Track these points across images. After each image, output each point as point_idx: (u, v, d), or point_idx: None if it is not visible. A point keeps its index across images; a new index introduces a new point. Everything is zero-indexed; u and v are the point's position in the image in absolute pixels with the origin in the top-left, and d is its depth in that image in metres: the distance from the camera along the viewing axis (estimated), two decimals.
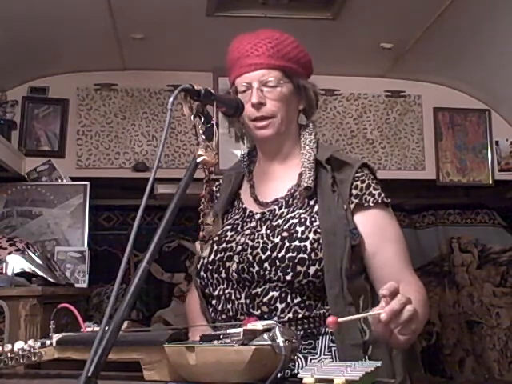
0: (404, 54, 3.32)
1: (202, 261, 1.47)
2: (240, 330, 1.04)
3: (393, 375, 1.35)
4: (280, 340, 1.02)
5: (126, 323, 1.25)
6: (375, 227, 1.42)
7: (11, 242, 2.66)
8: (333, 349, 1.35)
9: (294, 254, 1.34)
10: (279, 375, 1.04)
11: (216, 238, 1.46)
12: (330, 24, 2.95)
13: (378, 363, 1.04)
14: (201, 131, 1.21)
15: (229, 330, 1.06)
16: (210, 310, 1.48)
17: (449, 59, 3.36)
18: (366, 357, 1.33)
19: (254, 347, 1.01)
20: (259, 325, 1.06)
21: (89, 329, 1.32)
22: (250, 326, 1.05)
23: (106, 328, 0.89)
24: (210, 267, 1.45)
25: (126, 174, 3.48)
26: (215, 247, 1.45)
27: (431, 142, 3.69)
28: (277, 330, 1.04)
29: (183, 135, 3.53)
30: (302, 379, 0.95)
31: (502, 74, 3.30)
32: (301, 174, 1.45)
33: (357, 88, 3.65)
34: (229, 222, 1.52)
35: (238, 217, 1.52)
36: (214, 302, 1.46)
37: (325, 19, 2.92)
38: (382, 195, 1.44)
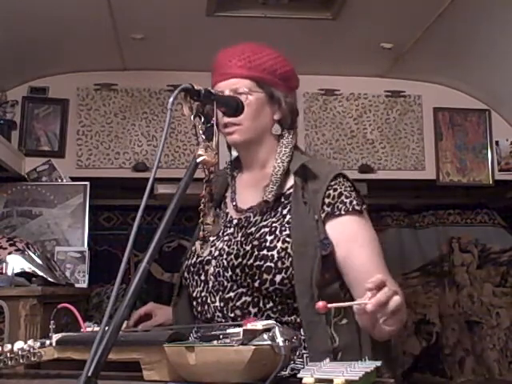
0: (404, 54, 3.31)
1: (186, 262, 1.54)
2: (240, 329, 1.04)
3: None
4: (280, 340, 1.03)
5: (125, 323, 1.25)
6: (345, 234, 1.44)
7: (11, 242, 2.65)
8: (304, 355, 1.37)
9: (262, 263, 1.38)
10: (279, 375, 1.04)
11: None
12: (329, 24, 2.95)
13: (378, 363, 1.04)
14: (201, 131, 1.21)
15: (229, 330, 1.06)
16: (194, 310, 1.53)
17: (449, 59, 3.36)
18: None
19: (253, 347, 1.01)
20: (259, 325, 1.06)
21: (89, 329, 1.32)
22: (249, 326, 1.05)
23: (106, 328, 0.89)
24: (192, 269, 1.51)
25: (125, 174, 3.47)
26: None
27: (431, 142, 3.69)
28: (276, 329, 1.04)
29: (183, 135, 3.53)
30: (301, 379, 0.95)
31: (502, 74, 3.29)
32: (265, 187, 1.47)
33: (357, 88, 3.65)
34: None
35: (221, 221, 1.56)
36: (194, 303, 1.52)
37: (325, 19, 2.92)
38: (354, 203, 1.45)
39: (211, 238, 1.51)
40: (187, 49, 3.22)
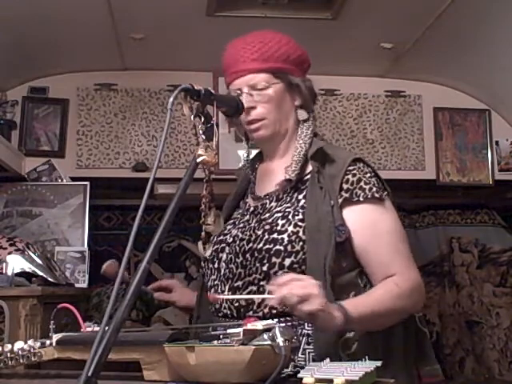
0: (404, 53, 3.31)
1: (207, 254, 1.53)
2: (240, 329, 1.04)
3: (388, 372, 1.34)
4: (280, 340, 1.02)
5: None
6: (363, 223, 1.41)
7: (11, 242, 2.65)
8: (307, 351, 1.35)
9: (271, 246, 1.37)
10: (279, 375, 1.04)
11: (218, 233, 1.50)
12: (330, 24, 2.95)
13: (378, 363, 1.04)
14: (201, 131, 1.21)
15: (229, 330, 1.06)
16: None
17: (449, 59, 3.36)
18: (343, 354, 1.31)
19: (253, 347, 1.01)
20: (259, 325, 1.06)
21: (89, 329, 1.32)
22: (249, 326, 1.05)
23: (106, 328, 0.89)
24: (208, 258, 1.50)
25: (125, 173, 3.47)
26: (215, 239, 1.50)
27: (431, 142, 3.69)
28: (276, 329, 1.04)
29: (183, 135, 3.53)
30: (301, 379, 0.95)
31: (502, 73, 3.29)
32: (287, 168, 1.46)
33: (357, 88, 3.65)
34: (234, 216, 1.57)
35: (240, 211, 1.56)
36: (208, 293, 1.50)
37: (325, 19, 2.92)
38: (374, 190, 1.42)
39: (228, 227, 1.50)
40: (187, 49, 3.22)
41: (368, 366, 1.01)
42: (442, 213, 4.21)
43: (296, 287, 1.16)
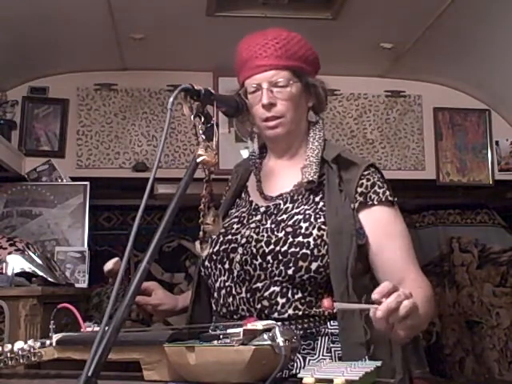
0: (404, 53, 3.31)
1: (207, 251, 1.47)
2: (240, 329, 1.04)
3: (393, 374, 1.35)
4: (280, 340, 1.02)
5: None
6: (378, 225, 1.43)
7: (11, 242, 2.66)
8: (332, 349, 1.35)
9: (297, 250, 1.35)
10: (279, 375, 1.04)
11: (223, 230, 1.47)
12: (330, 24, 2.95)
13: (378, 363, 1.04)
14: (201, 131, 1.21)
15: (229, 330, 1.06)
16: (213, 302, 1.50)
17: (449, 59, 3.36)
18: (367, 356, 1.32)
19: (253, 347, 1.01)
20: (259, 325, 1.06)
21: (89, 329, 1.32)
22: (249, 326, 1.05)
23: (106, 328, 0.89)
24: (215, 257, 1.47)
25: (125, 173, 3.48)
26: (221, 238, 1.47)
27: (431, 142, 3.69)
28: (277, 329, 1.04)
29: (183, 135, 3.53)
30: (301, 379, 0.95)
31: (502, 74, 3.29)
32: (304, 169, 1.46)
33: (357, 88, 3.65)
34: (236, 214, 1.54)
35: (244, 210, 1.54)
36: (215, 294, 1.48)
37: (325, 19, 2.92)
38: (387, 193, 1.45)
39: (234, 226, 1.48)
40: (187, 49, 3.22)
41: (368, 365, 1.01)
42: (442, 213, 4.21)
43: (401, 297, 1.09)
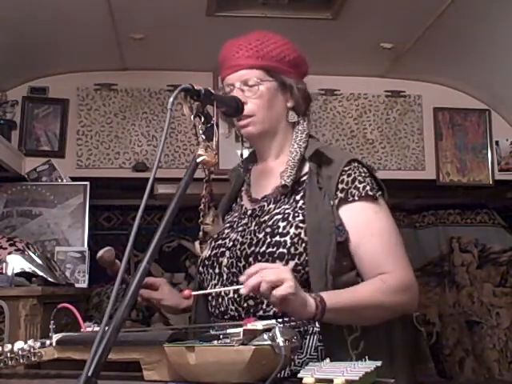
0: (404, 53, 3.31)
1: (201, 256, 1.51)
2: (240, 329, 1.04)
3: (392, 371, 1.34)
4: (280, 340, 1.02)
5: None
6: (358, 221, 1.42)
7: (11, 242, 2.65)
8: (319, 348, 1.35)
9: (274, 249, 1.37)
10: (279, 375, 1.04)
11: (215, 236, 1.49)
12: (330, 24, 2.95)
13: (378, 363, 1.04)
14: (201, 131, 1.21)
15: (229, 330, 1.06)
16: (209, 305, 1.51)
17: (449, 59, 3.36)
18: (354, 352, 1.33)
19: (253, 347, 1.01)
20: (259, 325, 1.06)
21: (89, 329, 1.32)
22: (249, 326, 1.05)
23: (106, 328, 0.89)
24: (207, 262, 1.50)
25: (125, 173, 3.47)
26: (213, 243, 1.50)
27: (431, 141, 3.69)
28: (277, 329, 1.04)
29: (183, 135, 3.53)
30: (301, 379, 0.95)
31: (502, 74, 3.29)
32: (282, 173, 1.46)
33: (357, 88, 3.65)
34: (229, 219, 1.56)
35: (236, 214, 1.56)
36: (209, 297, 1.50)
37: (325, 19, 2.92)
38: (367, 188, 1.42)
39: (225, 231, 1.50)
40: (187, 49, 3.22)
41: (368, 365, 1.00)
42: (442, 213, 4.21)
43: (267, 274, 1.16)
